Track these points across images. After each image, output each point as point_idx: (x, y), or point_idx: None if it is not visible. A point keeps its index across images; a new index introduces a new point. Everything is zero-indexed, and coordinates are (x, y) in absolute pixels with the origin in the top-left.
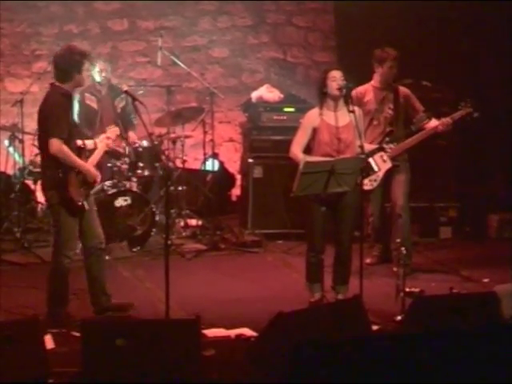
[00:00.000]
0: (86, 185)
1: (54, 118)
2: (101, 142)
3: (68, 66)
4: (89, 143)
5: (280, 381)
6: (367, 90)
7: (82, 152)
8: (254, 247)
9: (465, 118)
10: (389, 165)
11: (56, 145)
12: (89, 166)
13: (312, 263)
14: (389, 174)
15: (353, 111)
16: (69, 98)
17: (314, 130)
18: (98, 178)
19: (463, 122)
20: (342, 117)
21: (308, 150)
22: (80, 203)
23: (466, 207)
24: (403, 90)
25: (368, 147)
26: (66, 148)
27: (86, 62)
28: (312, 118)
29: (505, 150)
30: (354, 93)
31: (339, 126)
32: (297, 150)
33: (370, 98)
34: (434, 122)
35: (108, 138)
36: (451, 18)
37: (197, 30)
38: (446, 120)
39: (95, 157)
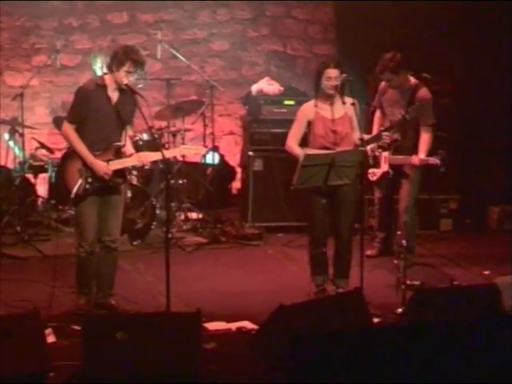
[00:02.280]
0: (92, 178)
1: (73, 102)
2: (136, 156)
3: (113, 57)
4: (125, 149)
5: (280, 373)
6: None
7: (111, 149)
8: (255, 240)
9: (433, 166)
10: (385, 169)
11: (64, 127)
12: (93, 160)
13: (314, 256)
14: (398, 173)
15: (345, 103)
16: (103, 89)
17: (309, 123)
18: (106, 176)
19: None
20: (337, 109)
21: (305, 142)
22: (68, 188)
23: (467, 199)
24: (422, 94)
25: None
26: (72, 134)
27: (131, 65)
28: (306, 110)
29: (505, 141)
30: (381, 85)
31: (334, 118)
32: (292, 143)
33: (388, 97)
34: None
35: (144, 158)
36: (450, 10)
37: (196, 23)
38: (416, 161)
39: (120, 162)
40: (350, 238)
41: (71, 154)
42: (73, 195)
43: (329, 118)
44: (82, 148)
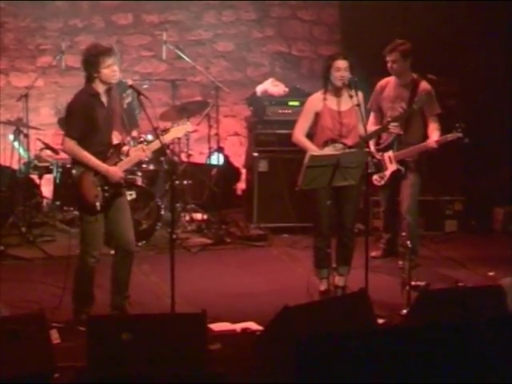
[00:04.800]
0: (108, 185)
1: (70, 118)
2: (139, 150)
3: (86, 66)
4: (124, 148)
5: (285, 374)
6: (388, 84)
7: (114, 151)
8: (260, 241)
9: (455, 141)
10: (394, 167)
11: (67, 144)
12: (107, 167)
13: (319, 248)
14: (399, 175)
15: (352, 96)
16: (96, 97)
17: (317, 115)
18: (122, 180)
19: (453, 144)
20: (344, 101)
21: (311, 135)
22: (90, 203)
23: (472, 200)
24: (425, 86)
25: (369, 129)
26: (77, 148)
27: (105, 58)
28: (314, 102)
29: (511, 142)
30: (377, 85)
31: (342, 110)
32: (299, 135)
33: (387, 94)
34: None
35: (147, 149)
36: (456, 12)
37: (202, 23)
38: (433, 143)
39: (125, 163)
40: (352, 228)
41: (80, 167)
42: (98, 208)
43: (336, 110)
44: (90, 160)
